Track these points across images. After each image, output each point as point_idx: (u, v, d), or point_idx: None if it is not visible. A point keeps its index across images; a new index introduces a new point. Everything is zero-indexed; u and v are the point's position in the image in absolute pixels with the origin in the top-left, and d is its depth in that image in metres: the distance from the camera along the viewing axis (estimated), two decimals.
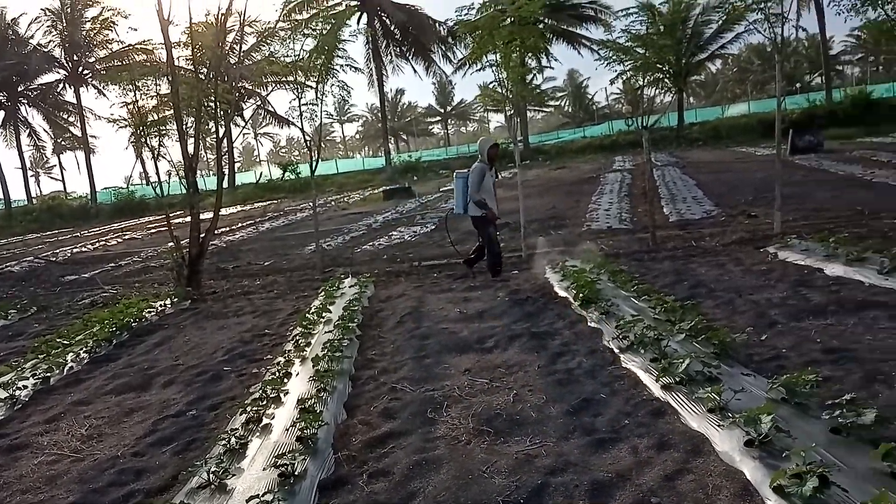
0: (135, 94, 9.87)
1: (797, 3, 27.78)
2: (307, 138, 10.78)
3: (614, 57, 8.98)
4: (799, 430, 3.13)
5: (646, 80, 9.17)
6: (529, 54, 10.16)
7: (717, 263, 7.66)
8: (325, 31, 10.24)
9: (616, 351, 4.86)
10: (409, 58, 43.29)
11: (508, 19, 8.79)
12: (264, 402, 4.42)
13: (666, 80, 31.83)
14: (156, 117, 10.25)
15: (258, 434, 3.99)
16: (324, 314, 6.80)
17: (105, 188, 45.61)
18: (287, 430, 3.96)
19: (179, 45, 9.88)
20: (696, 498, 2.87)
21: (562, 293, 6.92)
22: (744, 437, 3.11)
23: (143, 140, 9.87)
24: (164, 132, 10.08)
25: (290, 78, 10.91)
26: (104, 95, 39.33)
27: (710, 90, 79.31)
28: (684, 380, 3.92)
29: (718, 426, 3.33)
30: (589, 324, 5.71)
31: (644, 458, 3.27)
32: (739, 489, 2.86)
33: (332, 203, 26.55)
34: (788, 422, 3.20)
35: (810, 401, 3.45)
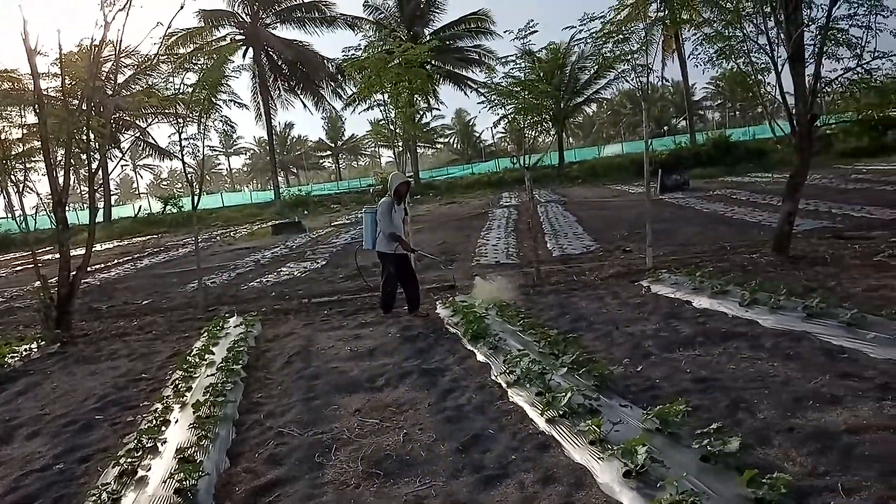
0: None
1: (662, 55, 30.02)
2: (189, 171, 10.42)
3: (496, 101, 9.32)
4: (672, 459, 3.31)
5: (526, 122, 9.57)
6: (417, 95, 10.36)
7: (597, 297, 8.03)
8: (208, 66, 10.00)
9: (504, 385, 4.96)
10: (298, 92, 43.05)
11: (396, 60, 8.96)
12: (140, 453, 4.17)
13: (546, 121, 33.35)
14: (22, 149, 9.57)
15: (133, 488, 3.75)
16: (206, 356, 6.52)
17: None
18: (164, 482, 3.74)
19: (49, 76, 9.33)
20: None
21: (452, 329, 7.00)
22: (622, 468, 3.25)
23: (6, 173, 9.17)
24: (30, 165, 9.41)
25: (171, 111, 10.54)
26: None
27: (588, 131, 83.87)
28: (567, 413, 4.05)
29: (599, 458, 3.46)
30: (478, 359, 5.80)
31: (530, 493, 3.35)
32: None
33: (218, 238, 25.62)
34: (663, 451, 3.38)
35: (682, 430, 3.66)
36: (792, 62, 8.83)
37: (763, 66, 9.28)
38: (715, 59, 9.64)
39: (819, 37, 8.78)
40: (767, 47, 8.99)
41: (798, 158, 9.19)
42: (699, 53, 9.91)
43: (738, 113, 77.11)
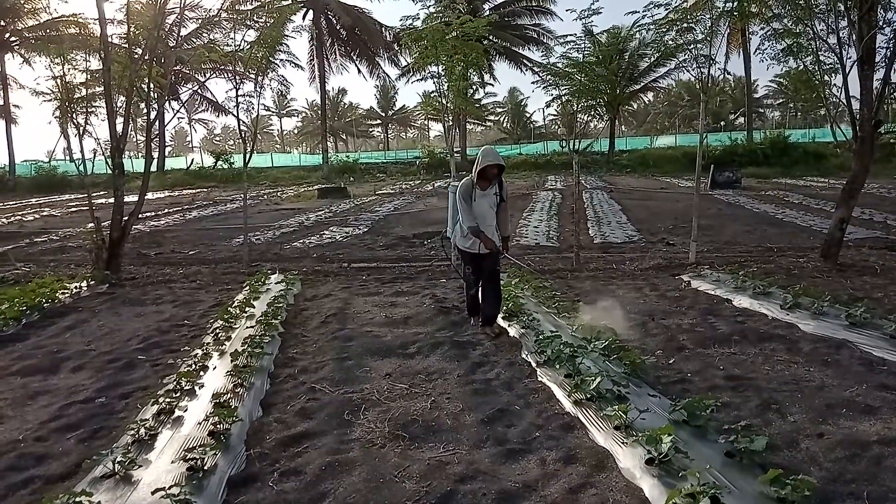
0: (63, 68, 9.47)
1: (726, 48, 29.18)
2: (243, 129, 10.61)
3: (552, 81, 9.25)
4: (696, 451, 3.32)
5: (580, 106, 9.46)
6: (472, 69, 10.33)
7: (635, 287, 7.97)
8: (268, 24, 10.11)
9: (533, 364, 5.00)
10: (354, 58, 43.10)
11: (453, 32, 8.93)
12: (178, 394, 4.35)
13: (600, 106, 32.83)
14: (84, 93, 9.85)
15: (169, 426, 3.92)
16: (247, 309, 6.71)
17: (25, 161, 43.11)
18: (200, 423, 3.90)
19: (114, 23, 9.56)
20: None
21: None
22: (645, 455, 3.27)
23: (69, 116, 9.47)
24: (91, 110, 9.70)
25: (229, 67, 10.70)
26: (30, 65, 37.34)
27: (641, 120, 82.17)
28: (594, 397, 4.08)
29: (623, 443, 3.49)
30: (510, 336, 5.85)
31: (551, 470, 3.40)
32: None
33: (265, 196, 26.08)
34: (687, 443, 3.39)
35: (709, 424, 3.66)
36: (861, 65, 8.52)
37: (830, 66, 8.99)
38: (781, 55, 9.39)
39: (893, 40, 8.46)
40: (837, 47, 8.70)
41: (857, 164, 8.92)
42: (766, 48, 9.67)
43: (799, 114, 74.51)
